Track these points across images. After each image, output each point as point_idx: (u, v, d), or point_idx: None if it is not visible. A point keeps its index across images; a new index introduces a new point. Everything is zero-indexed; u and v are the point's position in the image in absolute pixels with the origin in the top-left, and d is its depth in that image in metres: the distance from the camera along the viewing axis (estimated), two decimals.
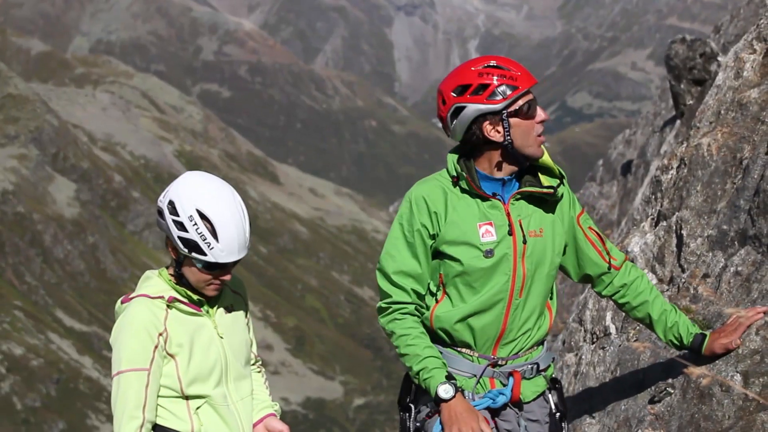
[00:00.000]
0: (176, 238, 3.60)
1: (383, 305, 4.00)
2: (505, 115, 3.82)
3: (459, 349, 3.98)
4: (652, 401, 4.46)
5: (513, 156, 3.90)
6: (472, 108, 3.82)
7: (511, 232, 3.90)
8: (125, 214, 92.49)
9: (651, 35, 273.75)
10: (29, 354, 63.27)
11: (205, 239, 3.58)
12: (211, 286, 3.73)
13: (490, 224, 3.90)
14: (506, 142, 3.85)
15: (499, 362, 4.00)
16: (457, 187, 3.94)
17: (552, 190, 3.95)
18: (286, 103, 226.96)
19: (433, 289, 3.99)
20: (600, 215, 17.35)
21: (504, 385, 3.99)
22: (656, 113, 18.25)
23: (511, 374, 4.01)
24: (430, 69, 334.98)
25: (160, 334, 3.62)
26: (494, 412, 4.00)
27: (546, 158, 3.97)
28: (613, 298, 4.23)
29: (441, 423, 3.82)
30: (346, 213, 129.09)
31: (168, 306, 3.68)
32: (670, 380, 4.45)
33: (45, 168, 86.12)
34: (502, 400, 3.95)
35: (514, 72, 3.84)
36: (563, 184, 4.02)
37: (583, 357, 5.96)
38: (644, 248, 5.68)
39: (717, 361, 4.11)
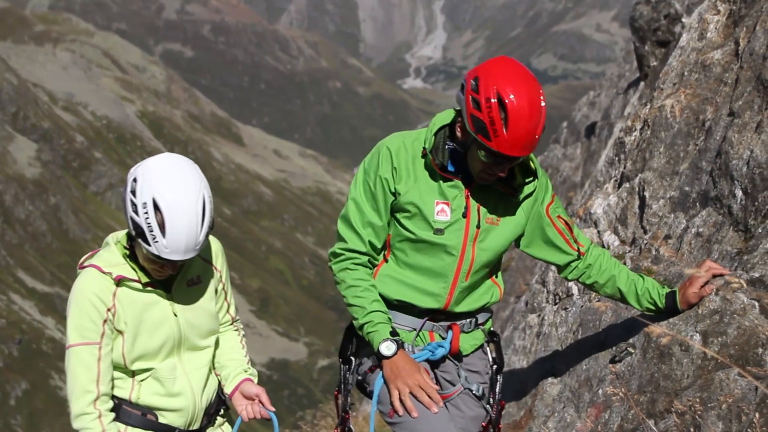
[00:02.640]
0: (128, 217, 3.49)
1: (337, 250, 3.99)
2: (472, 138, 3.71)
3: (399, 302, 4.00)
4: (612, 361, 4.50)
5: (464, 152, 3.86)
6: (462, 102, 3.71)
7: (466, 215, 3.88)
8: (87, 175, 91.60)
9: None
10: None
11: (151, 231, 3.44)
12: (156, 272, 3.63)
13: (447, 204, 3.86)
14: (461, 149, 3.81)
15: (438, 317, 4.03)
16: (424, 159, 3.89)
17: (513, 192, 3.91)
18: (249, 64, 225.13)
19: (379, 244, 3.99)
20: (564, 177, 17.42)
21: (443, 338, 4.03)
22: (620, 75, 18.29)
23: (450, 327, 4.04)
24: (395, 30, 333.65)
25: (109, 309, 3.55)
26: (434, 364, 4.04)
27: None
28: (580, 280, 4.24)
29: (383, 378, 3.84)
30: (311, 175, 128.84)
31: (116, 283, 3.59)
32: (630, 340, 4.48)
33: (5, 127, 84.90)
34: (441, 352, 3.99)
35: (505, 133, 3.57)
36: (535, 180, 3.96)
37: (546, 318, 5.99)
38: (607, 210, 5.70)
39: (677, 321, 4.14)
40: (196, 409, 3.77)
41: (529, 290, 7.24)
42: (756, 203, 4.33)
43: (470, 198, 3.89)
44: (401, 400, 3.75)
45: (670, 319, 4.19)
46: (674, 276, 4.58)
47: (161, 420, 3.69)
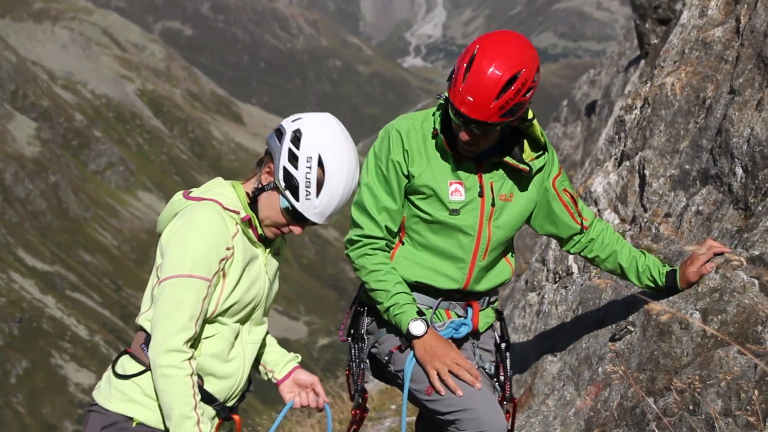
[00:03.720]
0: (281, 166, 3.33)
1: (354, 237, 3.97)
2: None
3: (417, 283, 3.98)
4: (612, 339, 4.51)
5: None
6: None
7: (481, 194, 3.88)
8: (87, 153, 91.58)
9: None
10: None
11: (308, 186, 3.32)
12: (274, 229, 3.49)
13: (461, 183, 3.86)
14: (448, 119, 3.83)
15: (455, 295, 4.03)
16: (435, 140, 3.88)
17: (527, 168, 3.90)
18: (249, 42, 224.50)
19: (395, 228, 3.97)
20: (564, 155, 17.41)
21: (459, 316, 4.03)
22: (621, 53, 18.25)
23: (469, 305, 4.04)
24: (395, 8, 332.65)
25: (228, 248, 3.33)
26: (455, 343, 4.02)
27: (535, 128, 3.91)
28: (582, 254, 4.23)
29: (416, 359, 3.82)
30: None
31: (238, 224, 3.40)
32: (630, 318, 4.49)
33: (4, 106, 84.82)
34: (465, 330, 3.98)
35: (462, 85, 3.61)
36: (545, 153, 3.98)
37: (546, 296, 6.00)
38: (607, 188, 5.70)
39: (676, 299, 4.14)
40: (241, 383, 3.57)
41: (528, 269, 7.24)
42: (756, 181, 4.33)
43: (482, 176, 3.89)
44: (442, 380, 3.75)
45: (670, 297, 4.19)
46: (674, 254, 4.58)
47: (206, 386, 3.44)
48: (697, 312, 3.96)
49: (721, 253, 4.07)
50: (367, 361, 4.06)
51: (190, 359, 3.26)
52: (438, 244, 3.91)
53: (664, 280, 4.17)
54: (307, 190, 3.32)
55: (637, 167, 5.43)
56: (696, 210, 4.70)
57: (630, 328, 4.42)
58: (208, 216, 3.32)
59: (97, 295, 75.68)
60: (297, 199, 3.35)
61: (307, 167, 3.31)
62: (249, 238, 3.44)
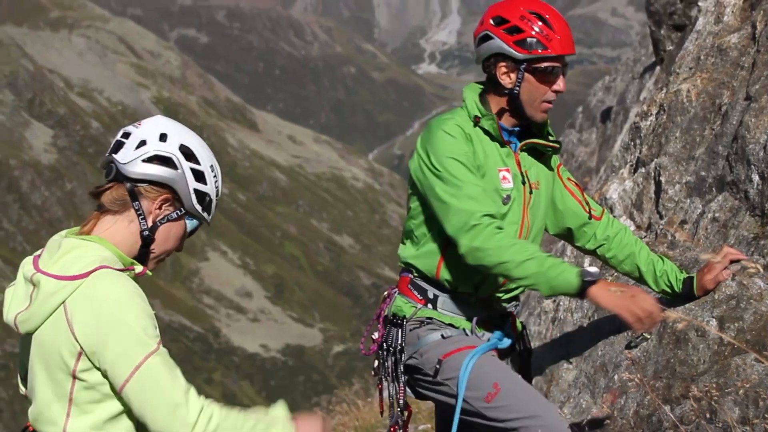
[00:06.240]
0: (190, 190, 3.05)
1: (473, 222, 3.66)
2: (523, 66, 3.79)
3: (458, 292, 3.93)
4: (628, 346, 4.49)
5: (516, 108, 3.86)
6: (497, 43, 3.80)
7: (524, 181, 3.89)
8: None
9: None
10: None
11: (216, 194, 3.16)
12: (161, 258, 3.16)
13: (508, 171, 3.86)
14: (514, 91, 3.82)
15: (495, 305, 4.00)
16: (477, 128, 3.86)
17: (558, 144, 3.96)
18: (264, 49, 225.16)
19: (439, 227, 3.84)
20: (579, 162, 17.37)
21: (495, 326, 4.00)
22: (636, 59, 18.20)
23: (506, 315, 4.03)
24: (409, 14, 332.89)
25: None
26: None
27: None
28: (598, 251, 4.20)
29: (613, 308, 3.64)
30: (325, 160, 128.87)
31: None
32: None
33: (21, 113, 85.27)
34: (507, 341, 3.96)
35: (554, 33, 3.77)
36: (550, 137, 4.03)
37: (561, 303, 5.98)
38: (623, 195, 5.68)
39: (693, 306, 4.13)
40: None
41: None
42: None
43: (520, 163, 3.91)
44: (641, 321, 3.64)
45: (687, 305, 4.17)
46: (690, 261, 4.56)
47: None
48: (714, 319, 3.95)
49: (738, 261, 4.05)
50: (402, 372, 3.93)
51: (207, 407, 2.85)
52: None
53: (680, 286, 4.15)
54: (216, 199, 3.17)
55: (653, 174, 5.41)
56: (712, 217, 4.68)
57: (646, 335, 4.40)
58: (125, 286, 2.87)
59: None
60: (210, 213, 3.16)
61: (213, 176, 3.12)
62: None
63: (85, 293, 2.82)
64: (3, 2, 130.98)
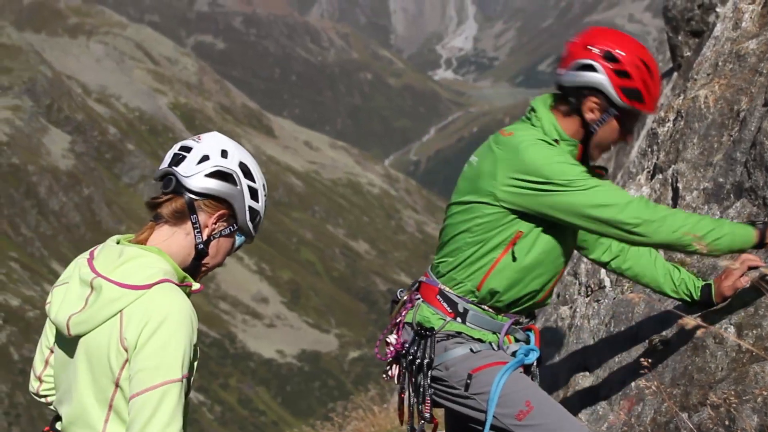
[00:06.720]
0: (245, 207, 3.11)
1: (635, 201, 3.66)
2: (613, 111, 3.75)
3: (484, 307, 3.90)
4: (645, 353, 4.47)
5: (583, 141, 3.83)
6: (600, 79, 3.71)
7: None
8: (120, 167, 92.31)
9: None
10: (25, 305, 63.40)
11: (265, 211, 3.21)
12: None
13: None
14: (592, 128, 3.79)
15: (520, 320, 4.00)
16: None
17: (605, 171, 3.95)
18: (281, 56, 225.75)
19: (497, 242, 3.82)
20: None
21: (518, 341, 3.98)
22: None
23: (528, 329, 4.03)
24: (425, 20, 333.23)
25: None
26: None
27: None
28: (613, 264, 4.20)
29: None
30: (341, 166, 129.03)
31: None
32: (664, 332, 4.45)
33: (39, 119, 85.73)
34: (533, 356, 3.93)
35: (653, 91, 3.74)
36: None
37: (578, 310, 5.96)
38: None
39: (711, 313, 4.11)
40: None
41: (560, 282, 7.21)
42: None
43: None
44: None
45: (704, 312, 4.16)
46: (708, 268, 4.54)
47: None
48: (732, 326, 3.93)
49: (756, 267, 4.03)
50: (428, 386, 3.86)
51: None
52: (544, 258, 3.84)
53: (699, 294, 4.14)
54: (263, 216, 3.21)
55: (671, 180, 5.39)
56: None
57: (663, 342, 4.39)
58: (183, 305, 2.88)
59: None
60: (257, 231, 3.22)
61: (264, 195, 3.19)
62: None
63: (145, 304, 2.83)
64: (22, 9, 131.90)
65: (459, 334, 3.87)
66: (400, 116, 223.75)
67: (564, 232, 3.86)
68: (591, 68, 3.72)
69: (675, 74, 9.21)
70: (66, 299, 2.96)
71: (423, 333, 3.89)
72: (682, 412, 3.87)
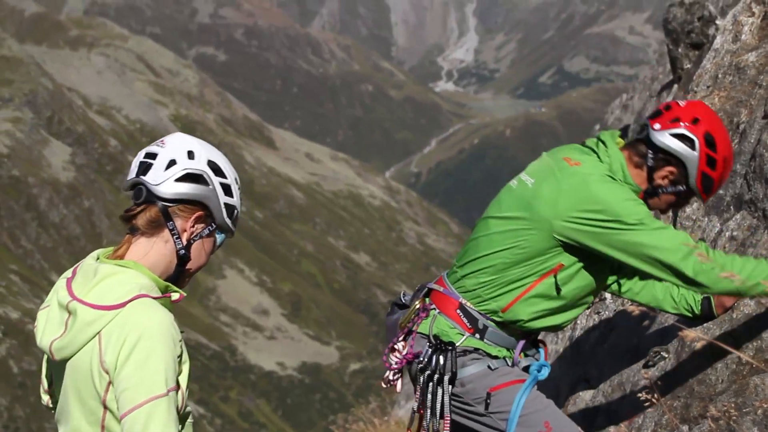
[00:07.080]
0: (221, 204, 3.07)
1: (692, 245, 3.65)
2: (681, 187, 3.80)
3: (508, 324, 3.87)
4: (646, 365, 4.47)
5: (643, 198, 3.84)
6: (691, 157, 3.74)
7: None
8: (121, 179, 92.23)
9: None
10: (25, 318, 63.27)
11: (241, 204, 3.19)
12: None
13: None
14: (659, 191, 3.83)
15: (533, 336, 4.00)
16: None
17: None
18: (282, 67, 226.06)
19: (535, 269, 3.78)
20: None
21: (527, 356, 3.98)
22: (653, 77, 18.16)
23: (538, 345, 4.03)
24: (426, 32, 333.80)
25: (179, 342, 2.95)
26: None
27: None
28: (612, 286, 4.21)
29: None
30: (342, 178, 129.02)
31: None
32: (664, 344, 4.45)
33: (40, 131, 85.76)
34: (546, 372, 3.93)
35: (717, 189, 3.87)
36: None
37: (578, 322, 5.96)
38: None
39: (711, 325, 4.11)
40: None
41: None
42: None
43: None
44: None
45: (705, 324, 4.16)
46: None
47: None
48: (732, 339, 3.92)
49: None
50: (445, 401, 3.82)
51: None
52: (582, 291, 3.83)
53: (699, 308, 4.14)
54: (240, 209, 3.17)
55: None
56: (730, 235, 4.66)
57: (664, 354, 4.39)
58: (161, 319, 2.82)
59: None
60: (236, 225, 3.16)
61: (237, 188, 3.14)
62: None
63: (120, 323, 2.78)
64: (23, 21, 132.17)
65: (476, 350, 3.84)
66: (401, 128, 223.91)
67: (603, 270, 3.86)
68: (691, 143, 3.73)
69: (675, 86, 9.22)
70: (48, 324, 2.92)
71: (442, 347, 3.84)
72: (683, 424, 3.86)
